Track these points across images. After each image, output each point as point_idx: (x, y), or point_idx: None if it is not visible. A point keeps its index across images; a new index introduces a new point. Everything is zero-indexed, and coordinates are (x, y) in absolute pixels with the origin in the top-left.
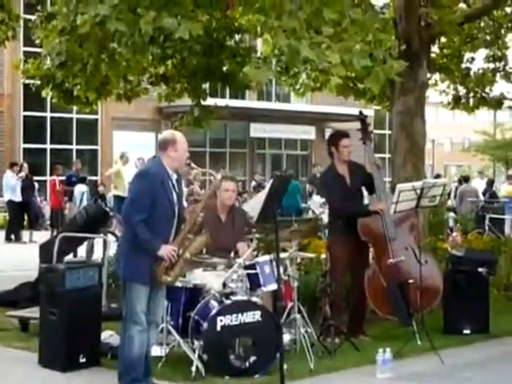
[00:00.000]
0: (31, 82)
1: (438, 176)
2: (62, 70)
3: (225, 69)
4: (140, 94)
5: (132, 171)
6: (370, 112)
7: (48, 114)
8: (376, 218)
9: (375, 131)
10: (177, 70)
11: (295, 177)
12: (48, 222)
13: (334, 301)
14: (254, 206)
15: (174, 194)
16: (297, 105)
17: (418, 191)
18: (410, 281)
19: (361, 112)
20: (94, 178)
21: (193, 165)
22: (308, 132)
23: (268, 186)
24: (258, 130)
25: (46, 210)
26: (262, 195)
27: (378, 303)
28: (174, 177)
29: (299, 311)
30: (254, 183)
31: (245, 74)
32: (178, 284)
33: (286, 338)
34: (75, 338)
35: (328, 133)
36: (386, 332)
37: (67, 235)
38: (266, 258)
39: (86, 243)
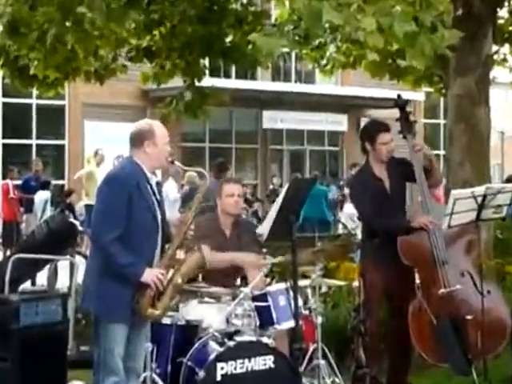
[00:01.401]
0: None
1: (509, 180)
2: (13, 39)
3: (228, 40)
4: (116, 73)
5: None
6: (419, 96)
7: None
8: (422, 234)
9: (426, 121)
10: (165, 41)
11: (321, 180)
12: None
13: (369, 342)
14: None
15: (155, 201)
16: (324, 87)
17: (480, 199)
18: (468, 317)
19: (399, 96)
20: (59, 182)
21: (177, 162)
22: (338, 122)
23: (282, 192)
24: (272, 120)
25: None
26: (276, 206)
27: (425, 346)
28: (154, 179)
29: (324, 356)
30: (270, 187)
31: (253, 46)
32: (167, 321)
33: None
34: None
35: (364, 123)
36: None
37: (22, 257)
38: (281, 286)
39: (47, 267)
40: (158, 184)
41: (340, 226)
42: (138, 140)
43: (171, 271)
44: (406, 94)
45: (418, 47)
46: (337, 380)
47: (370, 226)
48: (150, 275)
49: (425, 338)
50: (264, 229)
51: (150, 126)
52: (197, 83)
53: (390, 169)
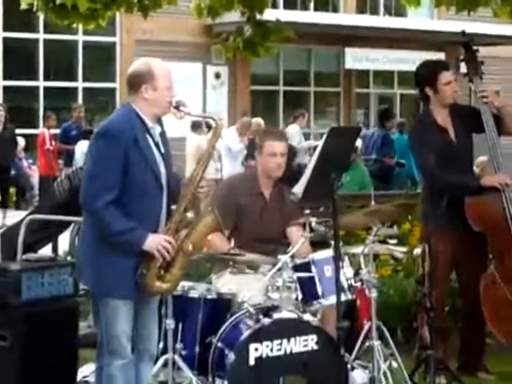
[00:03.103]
0: None
1: None
2: None
3: None
4: (161, 4)
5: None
6: None
7: (40, 36)
8: (494, 195)
9: None
10: None
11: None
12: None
13: (434, 320)
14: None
15: (158, 155)
16: (417, 21)
17: None
18: None
19: (463, 32)
20: None
21: (183, 108)
22: None
23: (320, 143)
24: (357, 59)
25: (36, 179)
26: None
27: (501, 326)
28: (157, 129)
29: (381, 335)
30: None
31: None
32: (194, 294)
33: (359, 376)
34: (37, 376)
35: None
36: None
37: (38, 218)
38: (328, 253)
39: (69, 230)
40: (163, 134)
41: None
42: (134, 83)
43: (182, 235)
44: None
45: None
46: (395, 364)
47: (434, 183)
48: (154, 242)
49: (500, 316)
50: (300, 187)
51: (148, 66)
52: (258, 16)
53: (453, 117)
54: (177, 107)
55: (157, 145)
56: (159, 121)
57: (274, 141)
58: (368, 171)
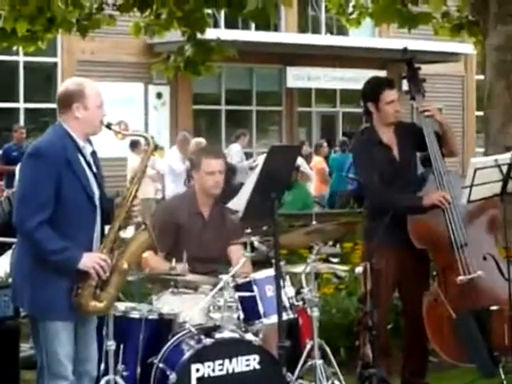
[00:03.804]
0: None
1: None
2: None
3: None
4: (100, 25)
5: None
6: (469, 49)
7: None
8: (436, 213)
9: (479, 77)
10: None
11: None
12: None
13: (376, 338)
14: (241, 196)
15: (91, 175)
16: (358, 39)
17: (505, 169)
18: (493, 307)
19: (405, 49)
20: None
21: (114, 127)
22: None
23: (260, 163)
24: (299, 77)
25: None
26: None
27: (443, 343)
28: (88, 149)
29: (323, 354)
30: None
31: None
32: (135, 315)
33: None
34: None
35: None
36: None
37: None
38: (269, 272)
39: (9, 253)
40: (94, 153)
41: None
42: (65, 103)
43: (117, 253)
44: (454, 47)
45: None
46: (337, 383)
47: (376, 202)
48: (89, 261)
49: (442, 333)
50: (238, 204)
51: (79, 86)
52: (199, 35)
53: (398, 135)
54: (108, 126)
55: (89, 164)
56: (89, 140)
57: (211, 159)
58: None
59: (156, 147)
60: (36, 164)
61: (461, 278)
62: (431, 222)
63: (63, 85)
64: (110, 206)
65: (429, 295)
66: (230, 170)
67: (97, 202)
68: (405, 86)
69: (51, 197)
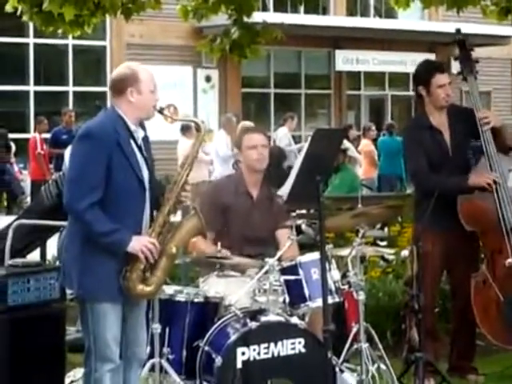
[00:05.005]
0: None
1: None
2: None
3: None
4: (145, 8)
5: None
6: None
7: (30, 40)
8: (486, 196)
9: None
10: None
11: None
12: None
13: (423, 322)
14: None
15: (141, 159)
16: (407, 22)
17: None
18: None
19: (458, 30)
20: None
21: (166, 112)
22: None
23: (305, 146)
24: (348, 61)
25: (26, 183)
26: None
27: (491, 326)
28: (140, 133)
29: (369, 338)
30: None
31: None
32: (181, 298)
33: (347, 379)
34: (24, 382)
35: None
36: (509, 370)
37: (26, 223)
38: (314, 256)
39: (57, 235)
40: (146, 138)
41: None
42: (119, 87)
43: (166, 238)
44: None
45: None
46: (383, 366)
47: (424, 186)
48: (138, 244)
49: (490, 317)
50: (285, 190)
51: (133, 71)
52: (245, 19)
53: (450, 119)
54: (160, 111)
55: (140, 149)
56: (142, 125)
57: (251, 133)
58: None
59: (207, 132)
60: (87, 145)
61: (509, 260)
62: (482, 205)
63: (117, 69)
64: (160, 190)
65: (477, 277)
66: (280, 154)
67: (146, 186)
68: (454, 68)
69: (102, 179)
